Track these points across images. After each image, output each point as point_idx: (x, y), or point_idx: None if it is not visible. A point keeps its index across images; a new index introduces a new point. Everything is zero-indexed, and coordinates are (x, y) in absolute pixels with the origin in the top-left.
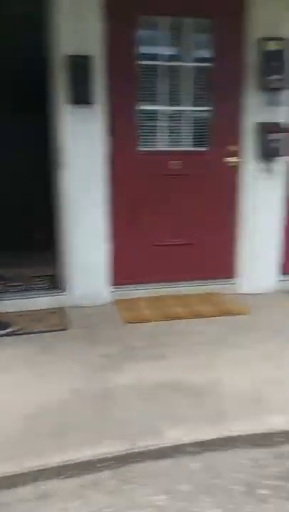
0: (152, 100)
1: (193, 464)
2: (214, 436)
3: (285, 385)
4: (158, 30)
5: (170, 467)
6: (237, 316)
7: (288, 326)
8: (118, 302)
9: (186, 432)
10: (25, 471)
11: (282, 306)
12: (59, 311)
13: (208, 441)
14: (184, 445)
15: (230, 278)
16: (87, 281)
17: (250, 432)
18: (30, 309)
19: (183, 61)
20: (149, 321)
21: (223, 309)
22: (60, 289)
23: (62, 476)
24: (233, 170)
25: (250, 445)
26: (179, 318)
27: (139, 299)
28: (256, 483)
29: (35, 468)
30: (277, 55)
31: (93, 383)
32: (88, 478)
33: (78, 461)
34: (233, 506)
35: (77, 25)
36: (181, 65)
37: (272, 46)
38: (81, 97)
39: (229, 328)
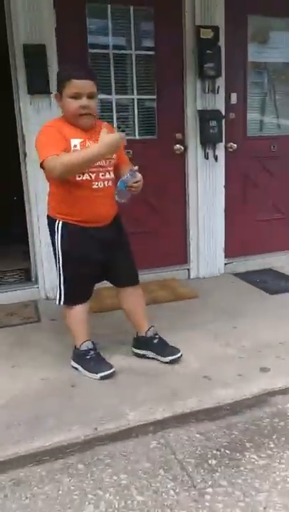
0: (104, 89)
1: (153, 441)
2: (171, 414)
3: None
4: (105, 18)
5: (132, 447)
6: (190, 299)
7: (233, 306)
8: None
9: (145, 413)
10: (1, 459)
11: (228, 287)
12: (32, 304)
13: (165, 419)
14: (144, 425)
15: (183, 264)
16: (53, 273)
17: (200, 408)
18: (3, 303)
19: (129, 50)
20: (113, 309)
21: (177, 294)
22: (32, 282)
23: (35, 462)
24: (180, 157)
25: (201, 419)
26: None
27: (103, 288)
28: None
29: (11, 456)
30: (212, 42)
31: (63, 373)
32: (59, 463)
33: (50, 447)
34: (186, 478)
35: (31, 14)
36: (127, 54)
37: (206, 34)
38: (38, 86)
39: (182, 311)
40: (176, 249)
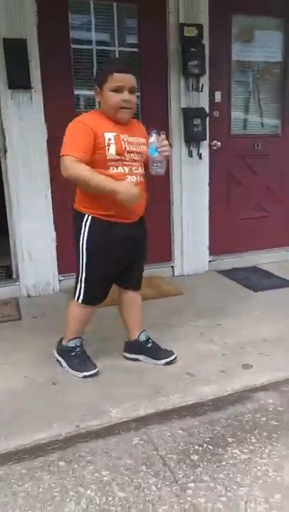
0: (87, 85)
1: (135, 438)
2: (153, 411)
3: (214, 359)
4: (88, 14)
5: (114, 444)
6: (174, 296)
7: (217, 303)
8: (67, 290)
9: (128, 410)
10: None
11: (212, 285)
12: (13, 302)
13: (148, 415)
14: (126, 422)
15: (167, 261)
16: (36, 271)
17: (183, 404)
18: None
19: (113, 46)
20: (101, 306)
21: (162, 291)
22: (13, 279)
23: (15, 460)
24: None
25: (184, 416)
26: None
27: None
28: (189, 450)
29: None
30: (196, 40)
31: (44, 371)
32: (39, 460)
33: (30, 445)
34: (169, 474)
35: (12, 7)
36: (111, 50)
37: (190, 32)
38: (19, 81)
39: (166, 308)
40: (161, 247)
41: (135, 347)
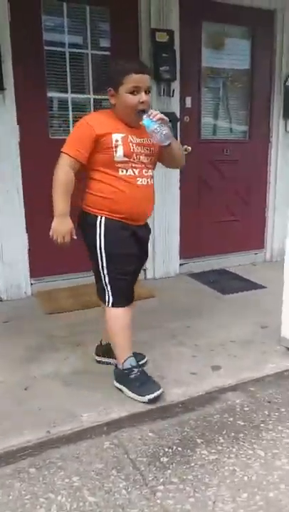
0: (61, 88)
1: (106, 442)
2: (125, 414)
3: (185, 361)
4: (61, 16)
5: (85, 449)
6: (146, 299)
7: (187, 306)
8: (39, 294)
9: (99, 414)
10: None
11: (183, 288)
12: None
13: (119, 419)
14: (97, 426)
15: None
16: (8, 274)
17: (154, 406)
18: None
19: (86, 49)
20: (68, 310)
21: (135, 295)
22: None
23: None
24: None
25: (154, 418)
26: (97, 306)
27: (58, 289)
28: (158, 452)
29: None
30: (167, 46)
31: (16, 376)
32: (10, 468)
33: (0, 452)
34: (139, 477)
35: None
36: (84, 53)
37: (162, 37)
38: None
39: (138, 311)
40: None
41: (107, 350)
